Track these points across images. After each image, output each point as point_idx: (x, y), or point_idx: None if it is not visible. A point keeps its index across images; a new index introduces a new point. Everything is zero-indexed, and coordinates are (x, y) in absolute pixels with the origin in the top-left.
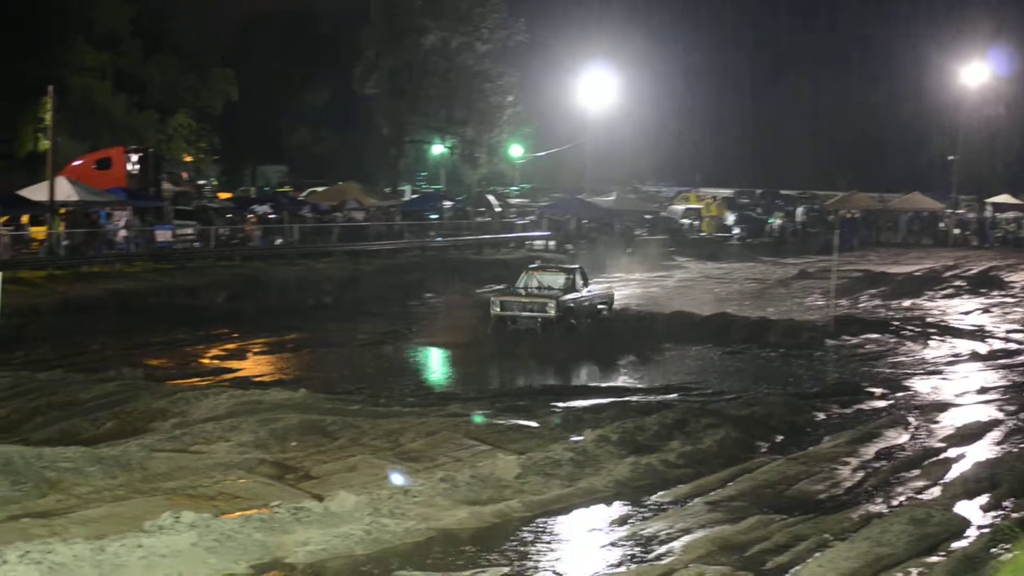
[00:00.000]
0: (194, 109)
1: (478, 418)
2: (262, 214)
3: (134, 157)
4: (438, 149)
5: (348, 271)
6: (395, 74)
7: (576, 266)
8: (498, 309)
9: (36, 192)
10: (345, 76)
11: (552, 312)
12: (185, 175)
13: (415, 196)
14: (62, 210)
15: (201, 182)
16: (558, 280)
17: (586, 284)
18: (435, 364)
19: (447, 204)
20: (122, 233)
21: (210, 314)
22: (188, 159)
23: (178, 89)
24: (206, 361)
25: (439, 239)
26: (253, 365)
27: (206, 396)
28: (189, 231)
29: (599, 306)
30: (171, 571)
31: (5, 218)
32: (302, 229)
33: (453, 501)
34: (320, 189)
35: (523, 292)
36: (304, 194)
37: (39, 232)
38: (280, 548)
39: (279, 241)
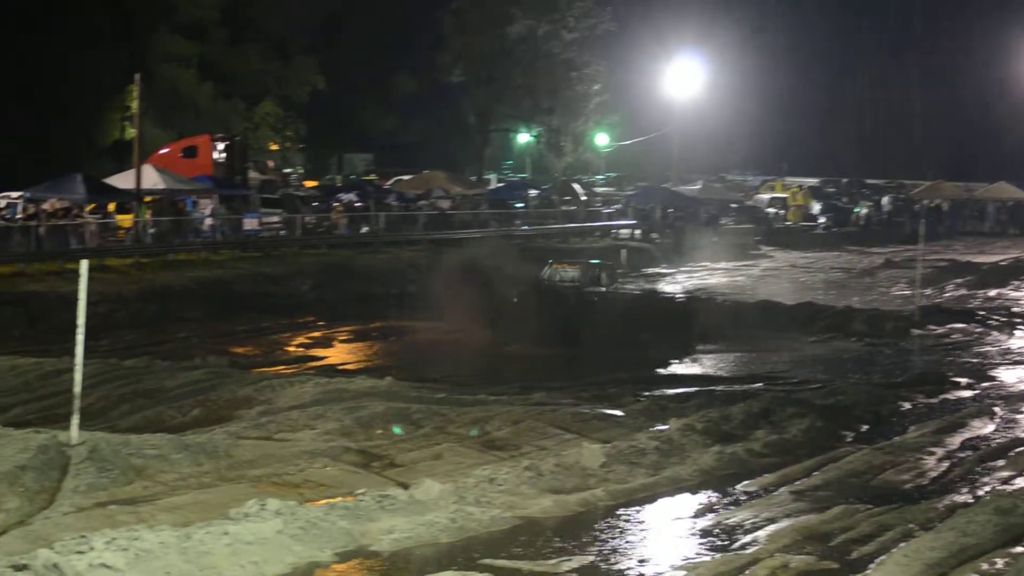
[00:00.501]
0: (280, 97)
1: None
2: (348, 202)
3: (220, 145)
4: (524, 138)
5: (433, 259)
6: (481, 62)
7: (600, 261)
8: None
9: (123, 180)
10: (432, 64)
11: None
12: (271, 163)
13: (501, 184)
14: (148, 198)
15: (287, 170)
16: (577, 274)
17: (613, 281)
18: (518, 353)
19: (533, 193)
20: (208, 221)
21: (295, 302)
22: (274, 147)
23: (264, 77)
24: (291, 349)
25: (524, 228)
26: (338, 353)
27: (291, 384)
28: (275, 219)
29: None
30: (256, 558)
31: (92, 206)
32: (388, 217)
33: (538, 489)
34: (406, 177)
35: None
36: (390, 182)
37: (125, 220)
38: (365, 536)
39: (365, 229)
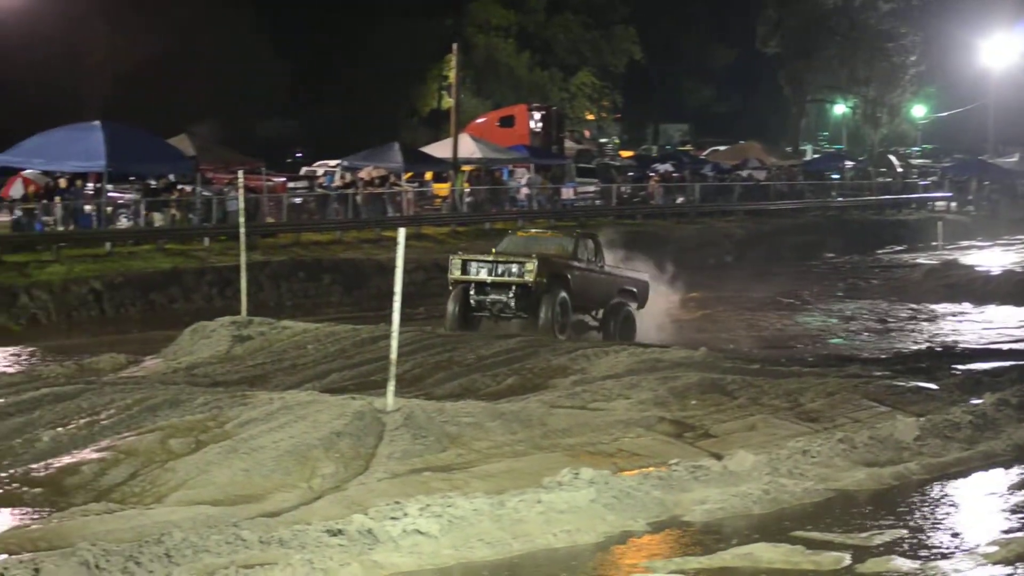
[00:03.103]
0: (597, 67)
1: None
2: (664, 173)
3: (537, 115)
4: (839, 109)
5: (748, 230)
6: (798, 33)
7: (586, 232)
8: (458, 273)
9: (439, 149)
10: (748, 35)
11: (531, 276)
12: (587, 133)
13: (816, 156)
14: (465, 167)
15: (603, 140)
16: (552, 245)
17: (601, 258)
18: (833, 325)
19: (848, 164)
20: (524, 191)
21: None
22: (590, 117)
23: (581, 47)
24: None
25: (839, 199)
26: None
27: (606, 353)
28: (591, 189)
29: (621, 296)
30: (569, 527)
31: (409, 174)
32: (703, 188)
33: (851, 462)
34: (721, 148)
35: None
36: (705, 153)
37: (442, 189)
38: (678, 506)
39: (680, 200)
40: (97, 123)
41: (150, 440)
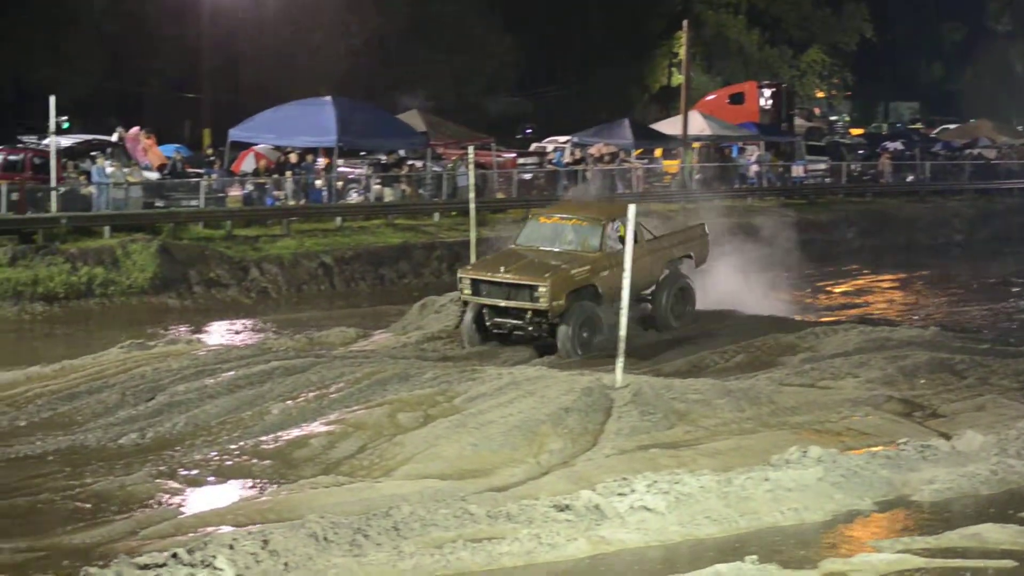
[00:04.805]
0: (827, 45)
1: None
2: (894, 151)
3: (767, 92)
4: None
5: (978, 210)
6: None
7: (615, 209)
8: (469, 293)
9: (669, 126)
10: (979, 12)
11: (545, 302)
12: (817, 111)
13: None
14: (695, 144)
15: (833, 118)
16: (577, 237)
17: (641, 235)
18: None
19: None
20: (754, 168)
21: (840, 250)
22: (820, 95)
23: (812, 25)
24: (835, 296)
25: None
26: (882, 301)
27: (835, 332)
28: (821, 167)
29: (671, 265)
30: (796, 504)
31: (639, 151)
32: (933, 166)
33: None
34: (952, 126)
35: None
36: (936, 131)
37: (671, 165)
38: (905, 485)
39: (910, 178)
40: (328, 99)
41: (379, 414)
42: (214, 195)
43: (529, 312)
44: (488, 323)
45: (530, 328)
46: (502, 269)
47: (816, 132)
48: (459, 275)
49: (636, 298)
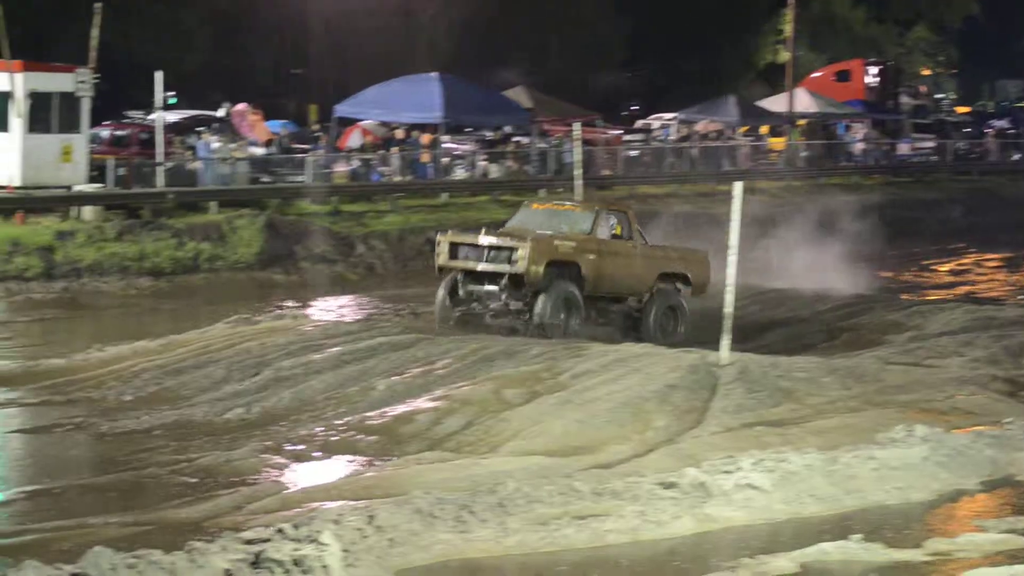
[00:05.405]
0: (933, 22)
1: None
2: (1000, 129)
3: (873, 70)
4: None
5: None
6: None
7: (613, 205)
8: (444, 259)
9: (775, 103)
10: None
11: (523, 265)
12: (923, 89)
13: None
14: (800, 121)
15: (938, 96)
16: (570, 222)
17: (635, 236)
18: None
19: None
20: (859, 146)
21: (946, 228)
22: (926, 72)
23: (918, 2)
24: (941, 275)
25: None
26: (987, 280)
27: (941, 310)
28: (927, 145)
29: (663, 280)
30: (901, 483)
31: (744, 128)
32: None
33: None
34: None
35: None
36: None
37: (778, 143)
38: (1012, 465)
39: (1016, 157)
40: (435, 75)
41: (485, 390)
42: (320, 171)
43: (505, 278)
44: (461, 292)
45: (504, 297)
46: (483, 231)
47: (922, 110)
48: (437, 239)
49: (622, 311)
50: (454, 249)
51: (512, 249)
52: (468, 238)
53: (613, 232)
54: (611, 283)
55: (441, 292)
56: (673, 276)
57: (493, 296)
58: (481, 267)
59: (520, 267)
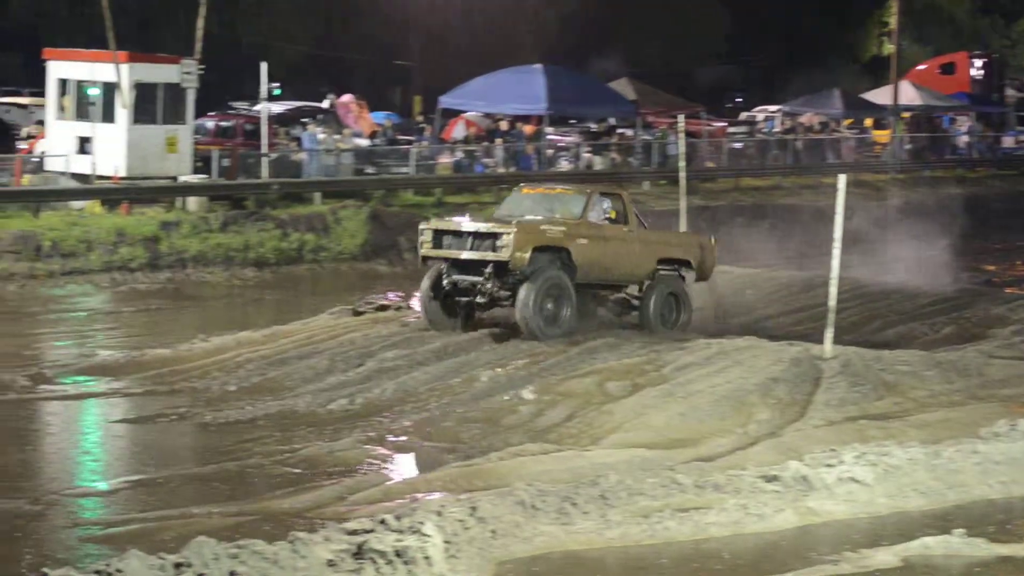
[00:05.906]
0: None
1: None
2: None
3: (978, 62)
4: None
5: None
6: None
7: (607, 189)
8: (428, 248)
9: (880, 96)
10: None
11: (507, 252)
12: None
13: None
14: (905, 114)
15: None
16: (561, 206)
17: (631, 221)
18: None
19: None
20: (964, 139)
21: None
22: None
23: None
24: None
25: None
26: None
27: None
28: None
29: (663, 265)
30: (1005, 478)
31: (849, 121)
32: None
33: None
34: None
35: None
36: None
37: (882, 136)
38: None
39: None
40: (539, 66)
41: (588, 382)
42: (424, 162)
43: (490, 266)
44: (445, 281)
45: (488, 286)
46: (467, 218)
47: None
48: (420, 227)
49: (618, 300)
50: (438, 237)
51: (496, 235)
52: (451, 225)
53: (607, 216)
54: (605, 270)
55: (425, 283)
56: (674, 262)
57: (478, 286)
58: (465, 255)
59: (504, 254)
